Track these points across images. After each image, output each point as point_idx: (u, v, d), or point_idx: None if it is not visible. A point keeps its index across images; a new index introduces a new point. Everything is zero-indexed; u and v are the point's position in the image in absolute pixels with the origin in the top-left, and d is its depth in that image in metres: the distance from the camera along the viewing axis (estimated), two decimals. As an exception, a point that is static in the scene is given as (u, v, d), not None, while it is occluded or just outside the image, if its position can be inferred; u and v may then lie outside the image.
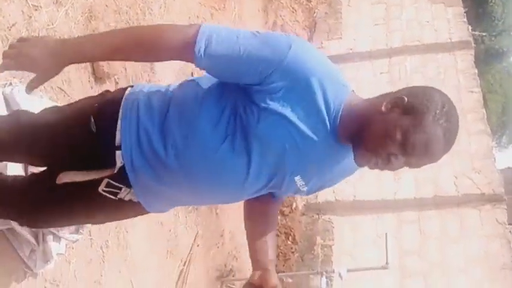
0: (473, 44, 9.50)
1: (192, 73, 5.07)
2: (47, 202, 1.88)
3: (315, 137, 1.64)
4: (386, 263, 5.34)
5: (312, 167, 1.74)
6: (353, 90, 1.72)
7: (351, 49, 9.73)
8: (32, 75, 1.63)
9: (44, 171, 1.91)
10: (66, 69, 3.13)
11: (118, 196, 1.80)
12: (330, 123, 1.64)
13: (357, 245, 7.66)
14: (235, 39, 1.60)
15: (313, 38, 9.87)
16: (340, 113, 1.65)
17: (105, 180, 1.76)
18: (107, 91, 1.93)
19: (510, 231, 7.51)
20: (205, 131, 1.67)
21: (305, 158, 1.69)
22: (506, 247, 7.32)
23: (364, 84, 8.99)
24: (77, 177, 1.74)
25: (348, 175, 1.91)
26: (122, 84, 3.83)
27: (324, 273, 5.64)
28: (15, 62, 1.62)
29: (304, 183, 1.77)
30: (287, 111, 1.59)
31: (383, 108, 1.62)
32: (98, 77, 3.52)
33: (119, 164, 1.72)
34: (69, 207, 1.90)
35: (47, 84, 3.03)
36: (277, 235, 7.24)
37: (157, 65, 4.41)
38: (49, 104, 2.84)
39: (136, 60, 1.80)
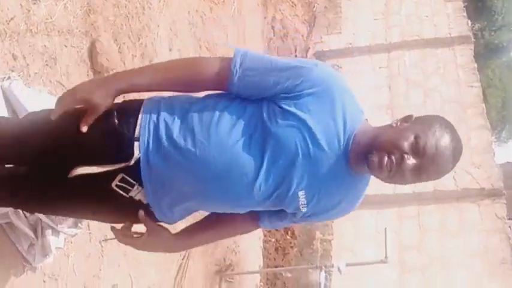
0: (472, 39, 9.50)
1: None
2: (57, 195, 1.89)
3: (327, 150, 1.70)
4: (386, 257, 5.35)
5: (318, 184, 1.76)
6: (366, 119, 1.81)
7: (350, 43, 9.74)
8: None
9: (54, 164, 1.88)
10: (64, 62, 3.15)
11: (129, 194, 1.81)
12: (343, 142, 1.72)
13: (357, 240, 7.67)
14: (267, 56, 1.77)
15: (312, 32, 9.86)
16: (352, 137, 1.73)
17: (120, 175, 1.77)
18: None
19: (509, 226, 7.53)
20: (225, 127, 1.72)
21: (314, 170, 1.72)
22: (505, 242, 7.34)
23: (363, 78, 9.00)
24: (93, 169, 1.74)
25: (345, 212, 1.93)
26: (121, 78, 3.83)
27: (323, 267, 5.64)
28: (68, 99, 1.71)
29: (305, 202, 1.79)
30: (308, 118, 1.67)
31: (393, 124, 1.75)
32: (97, 71, 3.51)
33: (136, 155, 1.73)
34: (77, 202, 1.91)
35: (46, 78, 3.02)
36: (276, 230, 7.24)
37: (156, 60, 4.40)
38: (47, 98, 2.84)
39: (180, 84, 1.83)
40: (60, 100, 1.72)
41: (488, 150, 8.12)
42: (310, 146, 1.68)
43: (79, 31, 3.36)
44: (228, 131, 1.71)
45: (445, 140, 1.67)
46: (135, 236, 1.91)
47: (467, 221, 7.60)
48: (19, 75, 2.78)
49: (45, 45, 3.02)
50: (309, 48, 9.70)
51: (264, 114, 1.71)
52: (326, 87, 1.68)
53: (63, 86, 3.16)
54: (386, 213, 7.78)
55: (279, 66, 1.71)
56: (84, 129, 1.70)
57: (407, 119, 1.74)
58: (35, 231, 2.73)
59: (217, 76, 1.74)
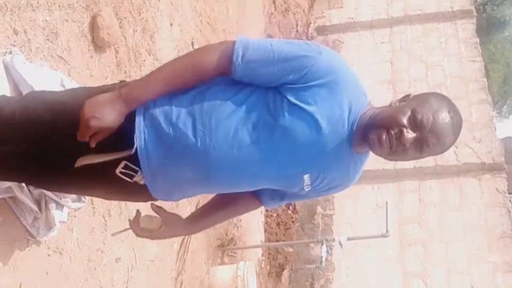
0: (474, 13, 9.44)
1: (192, 42, 5.06)
2: (63, 181, 1.92)
3: (333, 136, 1.73)
4: (387, 231, 5.39)
5: (323, 170, 1.81)
6: (369, 102, 1.82)
7: (352, 18, 9.68)
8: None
9: (58, 153, 1.89)
10: (65, 37, 3.15)
11: (134, 179, 1.83)
12: (348, 127, 1.75)
13: (357, 215, 7.72)
14: (270, 46, 1.72)
15: (313, 7, 9.80)
16: (357, 121, 1.75)
17: (123, 163, 1.79)
18: (124, 81, 1.99)
19: (510, 200, 7.56)
20: (227, 116, 1.72)
21: (319, 155, 1.76)
22: (505, 216, 7.38)
23: (365, 53, 8.97)
24: (96, 159, 1.76)
25: (344, 188, 1.97)
26: (122, 53, 3.82)
27: (324, 241, 5.68)
28: (84, 131, 1.69)
29: (309, 183, 1.82)
30: (314, 110, 1.69)
31: (392, 104, 1.79)
32: (98, 45, 3.50)
33: (136, 145, 1.75)
34: (83, 185, 1.95)
35: (47, 53, 3.02)
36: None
37: (157, 35, 4.39)
38: (49, 72, 2.84)
39: (188, 81, 1.79)
40: (80, 134, 1.71)
41: (490, 125, 8.12)
42: (316, 135, 1.71)
43: (80, 5, 3.34)
44: (230, 120, 1.72)
45: (442, 111, 1.68)
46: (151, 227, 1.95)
47: (467, 195, 7.64)
48: (20, 50, 2.77)
49: (46, 20, 3.01)
50: (310, 23, 9.65)
51: (270, 105, 1.71)
52: (331, 78, 1.69)
53: (65, 60, 3.16)
54: (387, 187, 7.82)
55: (282, 57, 1.69)
56: (93, 145, 1.70)
57: (405, 98, 1.77)
58: (38, 205, 2.75)
59: (220, 69, 1.73)
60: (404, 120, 1.67)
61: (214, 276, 5.33)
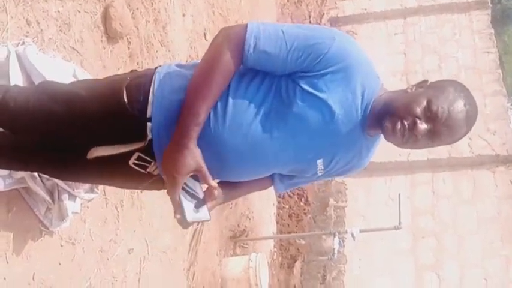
0: (489, 4, 9.34)
1: (204, 33, 5.04)
2: (76, 171, 1.93)
3: (346, 122, 1.73)
4: (399, 223, 5.37)
5: (336, 154, 1.81)
6: (382, 84, 1.81)
7: (365, 9, 9.61)
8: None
9: (71, 144, 1.89)
10: (78, 28, 3.15)
11: (147, 170, 1.83)
12: (361, 111, 1.74)
13: (370, 207, 7.70)
14: (282, 34, 1.68)
15: (326, -2, 9.74)
16: (371, 104, 1.74)
17: (136, 154, 1.78)
18: (136, 70, 1.95)
19: (524, 193, 7.50)
20: (240, 105, 1.71)
21: (332, 141, 1.76)
22: (519, 208, 7.33)
23: (378, 44, 8.91)
24: (108, 151, 1.75)
25: (357, 170, 1.97)
26: (135, 44, 3.82)
27: (337, 233, 5.68)
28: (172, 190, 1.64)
29: (322, 168, 1.83)
30: (328, 97, 1.68)
31: (408, 90, 1.77)
32: (111, 36, 3.50)
33: (149, 136, 1.74)
34: (97, 176, 1.97)
35: (60, 44, 3.02)
36: (290, 196, 7.28)
37: (169, 26, 4.38)
38: (62, 63, 2.84)
39: (220, 86, 1.72)
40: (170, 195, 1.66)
41: (504, 117, 8.05)
42: (330, 122, 1.71)
43: (92, -4, 3.34)
44: (243, 109, 1.71)
45: (459, 104, 1.67)
46: None
47: (481, 187, 7.59)
48: (33, 41, 2.78)
49: (58, 11, 3.01)
50: (323, 14, 9.60)
51: (283, 92, 1.70)
52: (345, 63, 1.67)
53: (77, 51, 3.16)
54: (400, 180, 7.79)
55: (294, 46, 1.66)
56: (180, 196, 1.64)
57: (422, 84, 1.76)
58: (51, 195, 2.76)
59: (238, 62, 1.69)
60: (419, 111, 1.66)
61: (227, 267, 5.34)
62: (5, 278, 2.65)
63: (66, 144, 1.83)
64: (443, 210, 7.56)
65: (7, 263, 2.66)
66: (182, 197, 1.61)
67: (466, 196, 7.58)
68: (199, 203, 1.66)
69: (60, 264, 3.01)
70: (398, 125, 1.67)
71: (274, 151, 1.75)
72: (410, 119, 1.66)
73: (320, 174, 1.86)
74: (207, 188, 1.69)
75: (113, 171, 1.85)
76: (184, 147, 1.62)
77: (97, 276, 3.32)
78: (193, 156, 1.62)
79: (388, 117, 1.69)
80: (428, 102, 1.66)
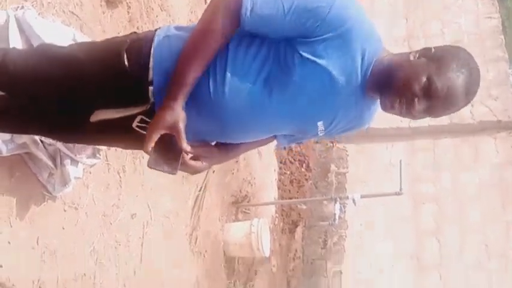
0: (493, -32, 9.21)
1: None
2: (80, 133, 1.94)
3: (346, 85, 1.71)
4: (400, 189, 5.38)
5: (336, 116, 1.81)
6: (384, 47, 1.79)
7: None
8: None
9: (73, 107, 1.89)
10: (78, -8, 3.10)
11: None
12: (361, 74, 1.72)
13: (371, 173, 7.71)
14: None
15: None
16: (372, 66, 1.73)
17: (139, 117, 1.79)
18: (136, 32, 1.94)
19: (526, 158, 7.49)
20: (238, 71, 1.70)
21: (332, 104, 1.76)
22: (521, 175, 7.33)
23: (379, 10, 8.82)
24: (112, 114, 1.75)
25: (358, 128, 1.97)
26: (134, 8, 3.78)
27: (338, 199, 5.70)
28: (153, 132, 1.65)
29: (323, 129, 1.83)
30: (327, 63, 1.66)
31: (411, 57, 1.72)
32: (110, 1, 3.47)
33: (152, 99, 1.74)
34: (101, 138, 1.98)
35: (59, 8, 2.99)
36: (291, 162, 7.29)
37: (170, -10, 4.34)
38: (61, 27, 2.81)
39: (214, 50, 1.71)
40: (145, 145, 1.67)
41: (506, 83, 8.00)
42: (330, 88, 1.70)
43: (91, -40, 3.30)
44: (242, 74, 1.70)
45: (459, 81, 1.64)
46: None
47: (482, 153, 7.58)
48: (32, 5, 2.75)
49: (57, -25, 2.98)
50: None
51: (281, 59, 1.69)
52: (345, 28, 1.64)
53: (77, 16, 3.14)
54: (401, 146, 7.79)
55: (292, 10, 1.63)
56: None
57: (425, 52, 1.71)
58: (54, 161, 2.77)
59: (235, 25, 1.68)
60: (418, 89, 1.64)
61: (229, 232, 5.39)
62: (9, 242, 2.68)
63: (67, 107, 1.82)
64: (444, 176, 7.57)
65: (11, 227, 2.69)
66: (153, 150, 1.65)
67: (467, 162, 7.58)
68: (172, 159, 1.70)
69: (63, 228, 3.03)
70: (396, 104, 1.68)
71: (273, 117, 1.75)
72: (409, 96, 1.65)
73: (321, 134, 1.86)
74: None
75: (116, 134, 1.85)
76: (169, 107, 1.64)
77: (100, 241, 3.36)
78: (173, 115, 1.63)
79: (387, 92, 1.69)
80: (428, 79, 1.63)
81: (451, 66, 1.64)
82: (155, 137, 1.64)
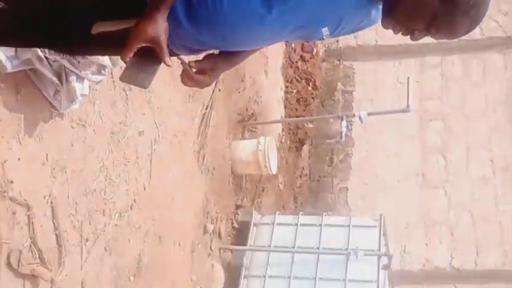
0: None
1: None
2: (82, 45, 1.91)
3: None
4: (407, 106, 5.36)
5: (341, 20, 1.75)
6: None
7: None
8: None
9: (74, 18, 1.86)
10: None
11: None
12: None
13: (378, 91, 7.67)
14: None
15: None
16: None
17: None
18: None
19: (534, 74, 7.43)
20: None
21: (337, 12, 1.71)
22: (529, 90, 7.29)
23: None
24: (112, 26, 1.72)
25: (369, 27, 1.92)
26: None
27: (344, 117, 5.69)
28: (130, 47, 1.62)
29: (328, 34, 1.79)
30: None
31: None
32: None
33: None
34: (103, 49, 1.98)
35: None
36: (298, 81, 7.25)
37: None
38: None
39: None
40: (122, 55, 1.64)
41: (517, -3, 7.82)
42: None
43: None
44: None
45: (465, 21, 1.61)
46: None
47: (491, 70, 7.51)
48: None
49: None
50: None
51: None
52: None
53: None
54: (409, 63, 7.70)
55: None
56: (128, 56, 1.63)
57: None
58: (59, 77, 2.75)
59: None
60: (421, 26, 1.62)
61: (236, 150, 5.43)
62: (19, 159, 2.71)
63: (70, 18, 1.80)
64: (451, 93, 7.52)
65: (20, 144, 2.71)
66: (129, 62, 1.63)
67: (475, 78, 7.52)
68: (149, 72, 1.69)
69: (72, 145, 3.06)
70: (397, 30, 1.67)
71: (275, 28, 1.72)
72: (411, 27, 1.64)
73: (326, 37, 1.83)
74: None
75: (118, 44, 1.83)
76: (151, 18, 1.60)
77: (109, 158, 3.40)
78: (155, 27, 1.60)
79: (390, 20, 1.66)
80: (433, 19, 1.59)
81: (460, 8, 1.58)
82: (134, 48, 1.62)
